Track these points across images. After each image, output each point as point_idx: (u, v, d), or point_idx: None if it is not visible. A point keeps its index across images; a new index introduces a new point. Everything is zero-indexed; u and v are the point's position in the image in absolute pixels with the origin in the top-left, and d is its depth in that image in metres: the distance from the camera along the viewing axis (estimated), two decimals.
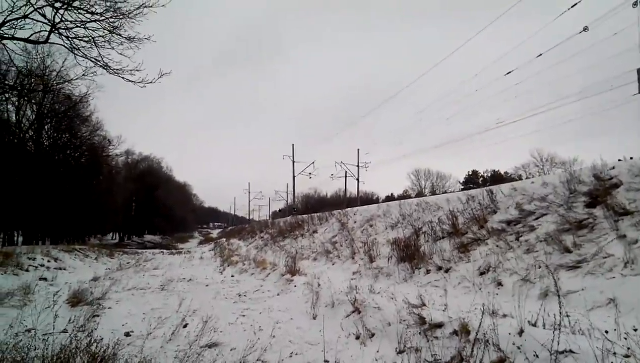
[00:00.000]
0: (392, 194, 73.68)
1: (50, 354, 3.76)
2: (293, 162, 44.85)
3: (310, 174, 45.29)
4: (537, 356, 3.88)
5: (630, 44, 12.03)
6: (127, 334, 6.57)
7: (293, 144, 45.47)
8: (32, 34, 11.63)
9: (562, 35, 14.70)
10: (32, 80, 19.82)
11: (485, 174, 65.83)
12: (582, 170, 9.42)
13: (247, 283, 12.54)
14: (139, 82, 11.82)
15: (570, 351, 3.69)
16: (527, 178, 34.34)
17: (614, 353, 3.56)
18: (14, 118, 27.85)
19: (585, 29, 13.25)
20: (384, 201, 41.76)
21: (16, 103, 27.12)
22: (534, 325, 4.64)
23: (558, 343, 3.55)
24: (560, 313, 3.82)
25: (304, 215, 28.22)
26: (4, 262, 12.80)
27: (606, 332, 4.20)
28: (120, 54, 11.85)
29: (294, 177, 45.29)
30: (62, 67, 23.40)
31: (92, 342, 3.93)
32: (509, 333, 4.39)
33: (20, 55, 15.15)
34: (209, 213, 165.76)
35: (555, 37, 15.32)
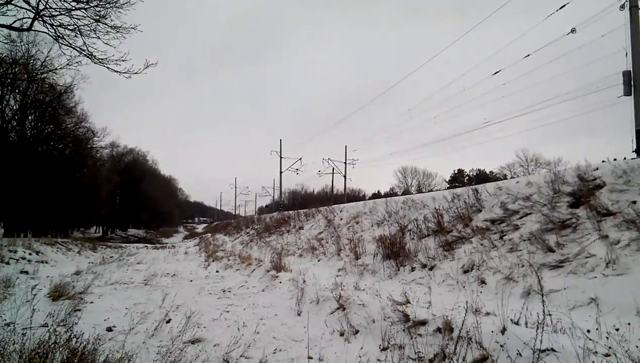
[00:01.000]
0: (378, 192, 73.99)
1: (28, 348, 3.69)
2: (280, 157, 44.79)
3: (297, 170, 45.29)
4: (520, 354, 3.91)
5: (617, 46, 12.18)
6: (109, 329, 6.48)
7: (280, 140, 45.38)
8: (15, 21, 11.37)
9: (551, 36, 14.83)
10: (16, 68, 19.46)
11: (471, 173, 66.42)
12: (566, 170, 9.53)
13: (231, 279, 12.48)
14: (124, 73, 11.65)
15: (552, 350, 3.72)
16: (512, 178, 34.70)
17: (595, 352, 3.60)
18: None
19: (573, 30, 13.38)
20: (370, 198, 41.86)
21: None
22: (517, 323, 4.68)
23: (541, 342, 3.58)
24: (543, 312, 3.85)
25: (290, 211, 28.20)
26: None
27: (588, 331, 4.25)
28: (106, 43, 11.66)
29: (280, 172, 45.24)
30: (47, 56, 23.09)
31: (72, 336, 3.85)
32: (492, 332, 4.41)
33: (4, 42, 14.87)
34: (194, 208, 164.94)
35: (545, 37, 15.46)
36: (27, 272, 12.27)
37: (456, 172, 68.54)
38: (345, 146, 44.05)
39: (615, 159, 9.00)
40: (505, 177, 46.83)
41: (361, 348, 5.44)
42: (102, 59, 11.62)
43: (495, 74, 17.62)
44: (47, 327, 5.32)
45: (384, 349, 5.31)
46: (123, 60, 11.53)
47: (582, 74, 16.78)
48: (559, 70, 19.49)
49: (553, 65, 16.90)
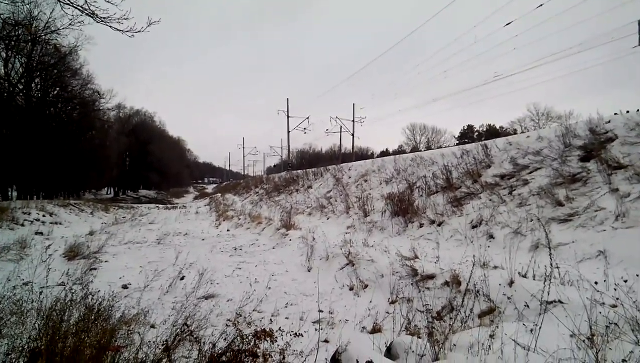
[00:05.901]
0: (387, 149, 73.70)
1: (46, 306, 3.79)
2: (288, 116, 44.32)
3: (305, 129, 44.78)
4: (528, 306, 3.96)
5: None
6: (124, 286, 6.64)
7: (287, 99, 44.66)
8: None
9: None
10: (19, 30, 19.20)
11: (481, 129, 65.66)
12: (577, 123, 9.38)
13: (242, 237, 12.66)
14: (126, 31, 11.38)
15: (560, 301, 3.77)
16: (522, 132, 34.29)
17: (602, 304, 3.64)
18: (2, 71, 27.14)
19: None
20: (378, 156, 41.66)
21: (3, 55, 26.41)
22: (524, 276, 4.73)
23: (548, 294, 3.61)
24: (550, 264, 3.87)
25: (298, 171, 28.24)
26: None
27: (595, 282, 4.29)
28: (107, 1, 11.38)
29: (288, 132, 44.90)
30: (50, 17, 22.73)
31: (88, 294, 3.94)
32: (500, 284, 4.46)
33: (5, 3, 14.58)
34: (203, 168, 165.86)
35: None
36: (41, 233, 12.51)
37: (466, 128, 67.81)
38: (353, 104, 43.18)
39: (628, 111, 8.83)
40: (515, 132, 46.24)
41: (370, 301, 5.54)
42: (104, 18, 11.34)
43: (507, 25, 17.08)
44: (64, 285, 5.45)
45: (393, 302, 5.42)
46: (125, 19, 11.26)
47: (595, 25, 16.25)
48: (572, 20, 18.85)
49: (566, 16, 16.34)
